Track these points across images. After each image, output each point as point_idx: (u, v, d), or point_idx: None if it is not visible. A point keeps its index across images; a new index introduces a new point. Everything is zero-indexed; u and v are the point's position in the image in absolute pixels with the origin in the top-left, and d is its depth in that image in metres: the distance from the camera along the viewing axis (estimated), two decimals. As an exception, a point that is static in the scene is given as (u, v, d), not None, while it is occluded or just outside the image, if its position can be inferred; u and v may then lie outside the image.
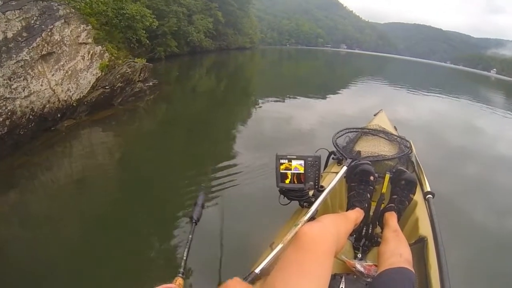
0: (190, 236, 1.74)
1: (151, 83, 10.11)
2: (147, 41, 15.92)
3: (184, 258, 1.61)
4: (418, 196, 2.43)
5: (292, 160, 2.04)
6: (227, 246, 3.18)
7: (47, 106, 5.85)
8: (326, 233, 1.33)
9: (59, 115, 6.20)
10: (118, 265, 2.99)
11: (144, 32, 15.13)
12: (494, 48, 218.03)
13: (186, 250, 1.66)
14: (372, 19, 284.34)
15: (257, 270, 1.53)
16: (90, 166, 5.04)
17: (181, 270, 1.53)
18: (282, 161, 2.03)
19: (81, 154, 5.46)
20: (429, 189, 2.49)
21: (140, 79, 9.40)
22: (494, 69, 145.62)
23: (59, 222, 3.51)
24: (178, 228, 3.45)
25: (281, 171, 2.05)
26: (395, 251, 1.70)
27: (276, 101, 11.40)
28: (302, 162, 2.04)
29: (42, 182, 4.51)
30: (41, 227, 3.43)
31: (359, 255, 2.20)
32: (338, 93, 14.81)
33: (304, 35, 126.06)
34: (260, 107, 10.39)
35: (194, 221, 1.88)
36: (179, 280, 1.46)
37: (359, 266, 1.87)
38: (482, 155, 7.73)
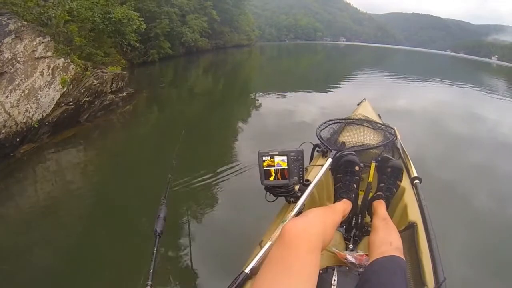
0: (155, 249, 1.70)
1: (125, 93, 9.24)
2: (138, 45, 15.59)
3: (151, 270, 1.54)
4: (405, 182, 2.45)
5: (275, 157, 2.01)
6: (217, 246, 3.29)
7: (3, 131, 5.24)
8: (310, 227, 1.32)
9: (18, 140, 5.58)
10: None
11: (134, 35, 14.75)
12: (494, 34, 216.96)
13: (152, 263, 1.59)
14: (370, 11, 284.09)
15: (247, 270, 1.52)
16: (55, 191, 4.65)
17: (149, 282, 1.48)
18: (264, 158, 2.01)
19: (44, 179, 5.04)
20: (415, 175, 2.51)
21: (112, 89, 8.57)
22: (495, 56, 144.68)
23: (24, 253, 3.29)
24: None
25: (264, 168, 2.02)
26: (385, 240, 1.68)
27: (274, 97, 11.26)
28: (284, 157, 2.00)
29: (1, 213, 4.11)
30: (3, 262, 3.16)
31: (350, 246, 2.18)
32: (337, 86, 14.56)
33: (302, 30, 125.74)
34: (256, 105, 10.27)
35: (157, 234, 1.84)
36: None
37: (350, 257, 1.86)
38: (470, 139, 7.87)
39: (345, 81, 16.34)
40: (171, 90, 12.64)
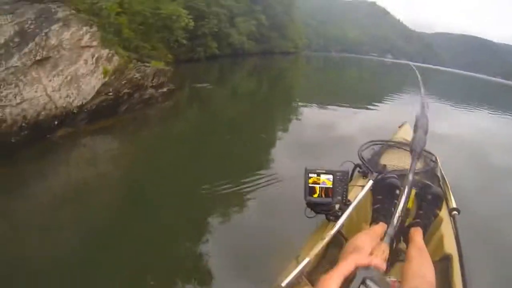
0: None
1: (165, 89, 9.10)
2: (185, 42, 15.68)
3: None
4: (443, 212, 2.40)
5: (321, 175, 2.02)
6: (251, 256, 3.16)
7: (43, 113, 5.27)
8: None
9: (56, 123, 5.61)
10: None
11: (181, 32, 14.91)
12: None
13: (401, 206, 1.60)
14: (419, 29, 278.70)
15: (283, 284, 1.50)
16: (85, 177, 4.71)
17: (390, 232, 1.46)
18: (311, 175, 2.01)
19: (76, 164, 5.16)
20: (454, 206, 2.48)
21: (153, 84, 8.53)
22: None
23: (54, 234, 3.31)
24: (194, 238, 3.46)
25: (309, 184, 2.02)
26: (419, 272, 1.64)
27: (316, 109, 11.05)
28: (330, 176, 2.02)
29: (36, 193, 4.04)
30: (33, 240, 3.18)
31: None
32: (379, 104, 14.06)
33: (350, 43, 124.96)
34: (298, 115, 10.03)
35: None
36: (384, 249, 1.37)
37: None
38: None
39: (388, 100, 15.78)
40: (213, 89, 12.43)
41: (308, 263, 1.62)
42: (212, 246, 3.29)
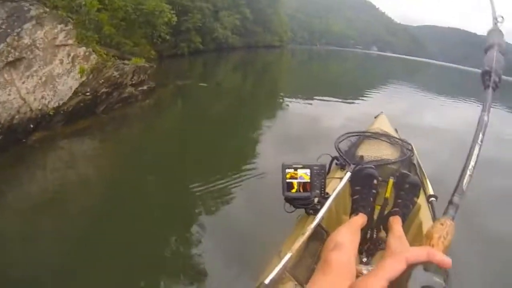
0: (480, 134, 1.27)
1: (145, 87, 8.86)
2: (168, 37, 15.52)
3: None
4: (421, 200, 2.45)
5: (298, 169, 2.04)
6: (232, 251, 3.19)
7: (17, 116, 5.10)
8: (351, 257, 1.55)
9: (31, 126, 5.43)
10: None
11: (164, 28, 14.74)
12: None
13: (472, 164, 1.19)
14: (404, 22, 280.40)
15: (266, 281, 1.50)
16: (63, 181, 4.53)
17: (456, 202, 1.07)
18: (288, 170, 2.03)
19: (54, 168, 4.95)
20: (432, 192, 2.55)
21: (132, 82, 8.24)
22: None
23: (32, 242, 3.19)
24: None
25: (287, 180, 2.04)
26: None
27: (301, 102, 11.02)
28: (308, 171, 2.05)
29: (12, 199, 3.97)
30: (9, 250, 3.05)
31: (364, 259, 2.22)
32: (364, 96, 14.15)
33: (335, 36, 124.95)
34: (282, 109, 10.14)
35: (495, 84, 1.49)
36: (448, 228, 0.91)
37: (365, 271, 1.82)
38: (492, 161, 7.10)
39: (372, 92, 15.87)
40: (196, 85, 12.11)
41: (290, 258, 1.63)
42: (196, 245, 3.27)
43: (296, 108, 10.03)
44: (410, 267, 0.48)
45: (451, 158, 6.93)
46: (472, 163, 1.25)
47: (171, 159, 5.42)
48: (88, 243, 3.22)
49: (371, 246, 2.33)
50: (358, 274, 1.77)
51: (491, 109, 1.38)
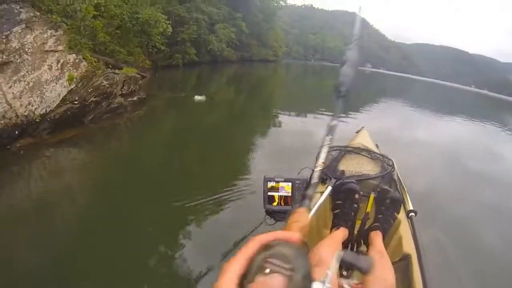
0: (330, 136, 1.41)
1: (135, 98, 8.60)
2: (163, 47, 15.51)
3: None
4: (401, 215, 2.45)
5: (280, 183, 2.01)
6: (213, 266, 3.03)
7: (2, 122, 4.99)
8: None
9: (16, 132, 5.29)
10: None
11: (159, 38, 14.71)
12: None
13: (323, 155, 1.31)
14: (397, 39, 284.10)
15: None
16: (47, 190, 4.39)
17: (310, 193, 1.17)
18: (269, 183, 2.00)
19: (38, 176, 4.81)
20: (411, 208, 2.56)
21: (122, 92, 8.02)
22: None
23: (15, 252, 3.14)
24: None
25: (268, 193, 2.01)
26: (379, 276, 1.65)
27: (293, 117, 11.10)
28: (289, 184, 2.01)
29: None
30: None
31: (344, 273, 2.08)
32: (356, 113, 14.11)
33: (329, 51, 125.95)
34: (273, 123, 9.99)
35: (342, 93, 1.66)
36: (302, 216, 1.09)
37: (346, 286, 1.79)
38: (472, 176, 7.68)
39: (365, 109, 16.09)
40: (189, 97, 11.58)
41: None
42: (180, 259, 3.20)
43: (288, 123, 9.99)
44: (264, 246, 0.57)
45: (431, 172, 7.16)
46: (320, 161, 1.40)
47: (158, 171, 5.31)
48: (64, 250, 3.20)
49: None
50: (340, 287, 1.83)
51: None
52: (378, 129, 9.97)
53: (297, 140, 7.87)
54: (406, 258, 2.07)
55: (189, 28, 20.65)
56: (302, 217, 1.14)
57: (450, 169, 7.79)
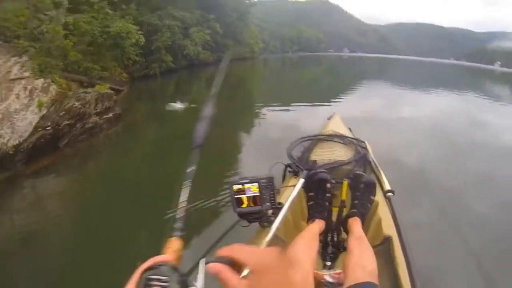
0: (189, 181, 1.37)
1: (111, 115, 8.27)
2: (137, 58, 15.38)
3: (183, 206, 1.24)
4: (378, 196, 2.46)
5: (246, 184, 1.97)
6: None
7: None
8: (306, 272, 1.54)
9: None
10: None
11: (132, 49, 14.57)
12: (497, 41, 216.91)
13: (185, 196, 1.28)
14: (373, 22, 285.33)
15: None
16: (29, 224, 4.17)
17: (179, 226, 1.18)
18: (235, 186, 1.97)
19: (18, 211, 4.57)
20: (388, 188, 2.56)
21: (96, 111, 7.72)
22: (498, 62, 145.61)
23: None
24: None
25: (236, 196, 1.98)
26: (359, 263, 1.68)
27: (274, 111, 11.07)
28: (256, 184, 1.97)
29: None
30: None
31: (328, 263, 2.24)
32: (337, 99, 14.56)
33: (306, 42, 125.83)
34: (256, 120, 10.07)
35: (198, 145, 1.65)
36: (174, 243, 1.09)
37: (328, 277, 1.89)
38: (448, 146, 7.90)
39: (346, 93, 16.50)
40: (166, 106, 11.13)
41: (248, 275, 1.57)
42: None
43: (272, 117, 10.10)
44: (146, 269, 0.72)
45: (411, 148, 7.33)
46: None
47: (141, 185, 5.19)
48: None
49: (334, 250, 2.35)
50: (321, 280, 1.90)
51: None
52: (355, 113, 10.27)
53: (279, 132, 7.93)
54: (387, 240, 2.07)
55: (163, 35, 20.48)
56: (174, 244, 1.18)
57: (431, 143, 7.97)
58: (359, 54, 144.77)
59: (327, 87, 21.58)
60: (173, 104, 10.62)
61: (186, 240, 3.18)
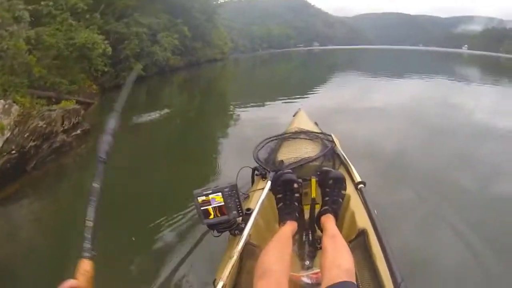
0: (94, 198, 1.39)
1: (79, 131, 7.81)
2: (105, 69, 14.95)
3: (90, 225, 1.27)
4: (350, 189, 2.42)
5: (210, 195, 1.99)
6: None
7: None
8: (279, 279, 1.53)
9: None
10: None
11: (100, 60, 14.16)
12: (463, 25, 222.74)
13: (92, 214, 1.35)
14: (341, 14, 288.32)
15: None
16: (4, 254, 3.94)
17: (87, 247, 1.19)
18: (199, 198, 1.99)
19: None
20: (359, 179, 2.45)
21: (64, 128, 7.31)
22: (465, 45, 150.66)
23: None
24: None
25: (202, 208, 2.00)
26: (335, 262, 1.65)
27: (246, 111, 11.16)
28: (219, 194, 1.98)
29: None
30: None
31: (307, 263, 2.24)
32: (311, 92, 14.84)
33: (276, 39, 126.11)
34: (228, 121, 10.08)
35: (102, 159, 1.64)
36: (84, 265, 1.10)
37: (305, 278, 1.91)
38: (418, 130, 8.10)
39: (317, 87, 16.69)
40: (139, 115, 10.75)
41: (224, 286, 1.57)
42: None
43: (244, 117, 10.13)
44: None
45: (381, 136, 7.46)
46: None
47: (118, 199, 4.83)
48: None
49: (311, 248, 2.35)
50: (300, 282, 1.93)
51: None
52: (327, 106, 10.46)
53: (252, 132, 7.89)
54: (362, 233, 2.07)
55: (130, 43, 20.19)
56: (85, 265, 1.18)
57: (404, 129, 8.20)
58: (330, 47, 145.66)
59: (298, 82, 21.66)
60: (144, 114, 10.48)
61: (158, 256, 3.13)
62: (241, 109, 11.16)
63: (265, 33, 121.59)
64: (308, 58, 59.11)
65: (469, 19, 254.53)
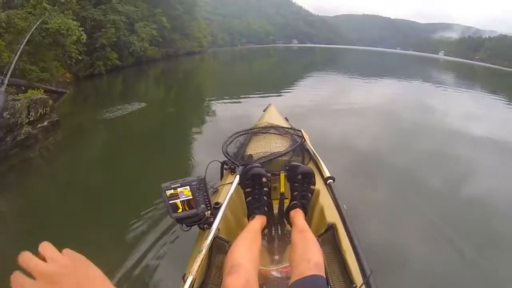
0: None
1: (46, 123, 7.21)
2: (80, 57, 14.55)
3: None
4: (319, 184, 2.44)
5: (178, 188, 1.94)
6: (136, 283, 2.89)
7: None
8: (248, 274, 1.50)
9: None
10: None
11: (74, 47, 13.70)
12: (441, 32, 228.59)
13: None
14: (321, 13, 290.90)
15: None
16: None
17: None
18: (167, 191, 1.93)
19: None
20: (328, 174, 2.50)
21: (29, 119, 6.76)
22: (442, 52, 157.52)
23: None
24: None
25: (170, 202, 1.94)
26: (303, 257, 1.65)
27: (223, 105, 11.02)
28: (187, 187, 1.94)
29: None
30: None
31: (276, 257, 2.25)
32: (288, 88, 14.79)
33: (255, 34, 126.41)
34: (205, 115, 9.95)
35: None
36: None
37: (275, 272, 1.92)
38: (389, 129, 8.29)
39: (294, 84, 16.84)
40: (114, 107, 10.18)
41: (193, 281, 1.54)
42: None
43: (221, 110, 10.08)
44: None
45: (350, 133, 7.55)
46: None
47: (89, 194, 4.73)
48: None
49: (280, 243, 2.36)
50: (269, 276, 1.94)
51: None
52: (302, 103, 10.48)
53: (228, 125, 7.84)
54: (331, 227, 2.06)
55: (107, 31, 19.68)
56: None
57: (378, 128, 8.35)
58: (309, 44, 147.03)
59: (276, 78, 21.64)
60: (118, 106, 10.08)
61: (127, 250, 3.00)
62: (216, 103, 11.03)
63: (244, 28, 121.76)
64: (287, 55, 59.44)
65: (447, 26, 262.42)
